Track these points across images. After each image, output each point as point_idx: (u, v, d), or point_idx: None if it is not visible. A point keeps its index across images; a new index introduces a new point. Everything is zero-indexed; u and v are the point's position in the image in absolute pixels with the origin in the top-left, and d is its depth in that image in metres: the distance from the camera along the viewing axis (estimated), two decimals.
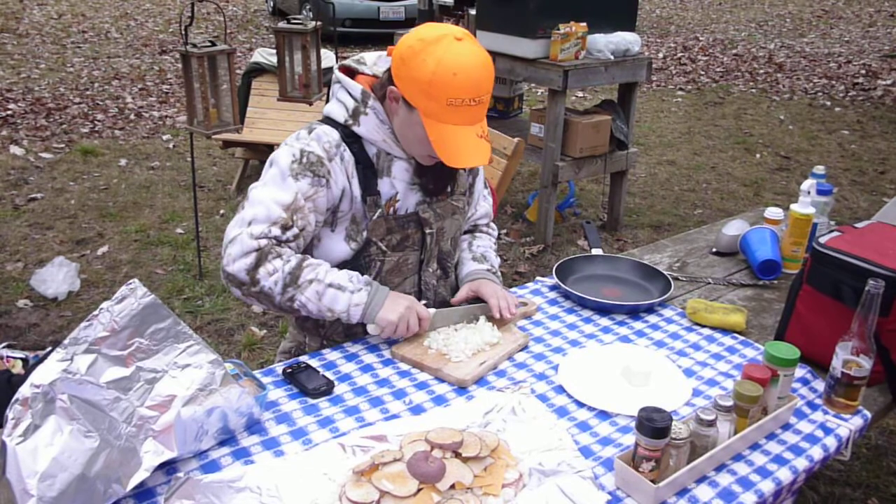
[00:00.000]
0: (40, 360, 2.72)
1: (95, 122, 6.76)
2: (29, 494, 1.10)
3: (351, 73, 1.78)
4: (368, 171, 1.71)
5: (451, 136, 1.58)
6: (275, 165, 1.66)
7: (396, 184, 1.75)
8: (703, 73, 9.68)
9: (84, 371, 1.20)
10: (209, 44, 3.44)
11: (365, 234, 1.73)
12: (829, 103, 8.17)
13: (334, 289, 1.63)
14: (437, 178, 1.79)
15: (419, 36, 1.57)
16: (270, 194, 1.63)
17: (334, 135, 1.69)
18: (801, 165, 6.10)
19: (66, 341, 1.20)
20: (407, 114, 1.63)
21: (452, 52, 1.54)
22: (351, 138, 1.70)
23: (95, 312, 1.23)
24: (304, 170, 1.64)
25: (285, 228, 1.62)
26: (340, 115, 1.71)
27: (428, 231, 1.81)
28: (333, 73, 1.76)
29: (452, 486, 1.26)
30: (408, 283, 1.85)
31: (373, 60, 1.79)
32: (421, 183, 1.78)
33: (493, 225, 2.09)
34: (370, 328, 1.68)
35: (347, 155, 1.69)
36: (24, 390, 1.15)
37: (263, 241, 1.59)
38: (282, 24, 3.67)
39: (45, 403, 1.16)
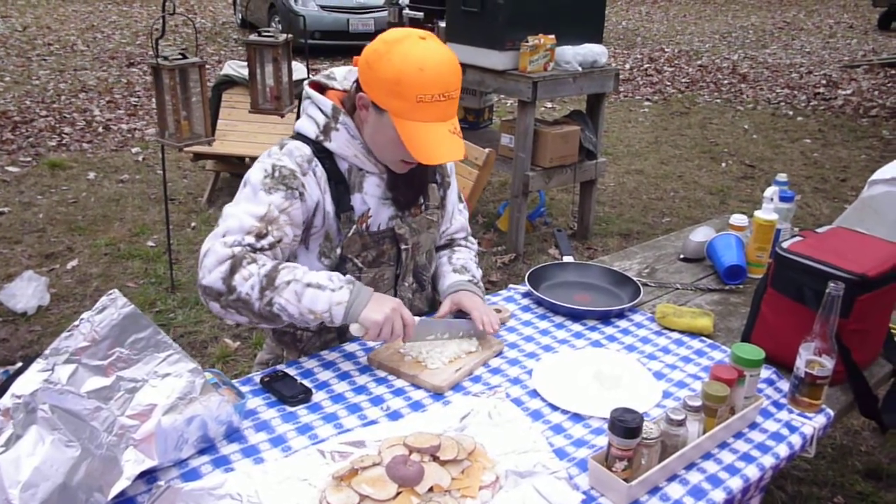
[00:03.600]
0: (11, 376, 2.69)
1: (63, 136, 6.70)
2: None
3: (321, 88, 1.78)
4: (341, 186, 1.71)
5: (423, 134, 1.59)
6: (248, 184, 1.66)
7: (368, 199, 1.75)
8: (669, 83, 9.84)
9: (65, 381, 1.21)
10: (180, 56, 3.44)
11: (339, 250, 1.73)
12: (791, 113, 8.36)
13: (313, 288, 1.56)
14: (408, 192, 1.80)
15: (383, 39, 1.60)
16: (242, 208, 1.62)
17: (306, 150, 1.69)
18: (766, 173, 6.23)
19: (46, 351, 1.21)
20: (377, 118, 1.63)
21: (417, 49, 1.56)
22: (323, 154, 1.70)
23: (76, 323, 1.24)
24: (277, 183, 1.63)
25: (260, 237, 1.60)
26: (311, 131, 1.71)
27: (404, 247, 1.82)
28: (303, 89, 1.76)
29: (431, 489, 1.28)
30: None
31: (343, 75, 1.80)
32: (393, 197, 1.78)
33: (471, 239, 2.09)
34: (353, 328, 1.60)
35: (320, 170, 1.69)
36: (6, 401, 1.16)
37: (237, 249, 1.56)
38: (253, 37, 3.69)
39: (27, 414, 1.17)
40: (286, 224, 1.64)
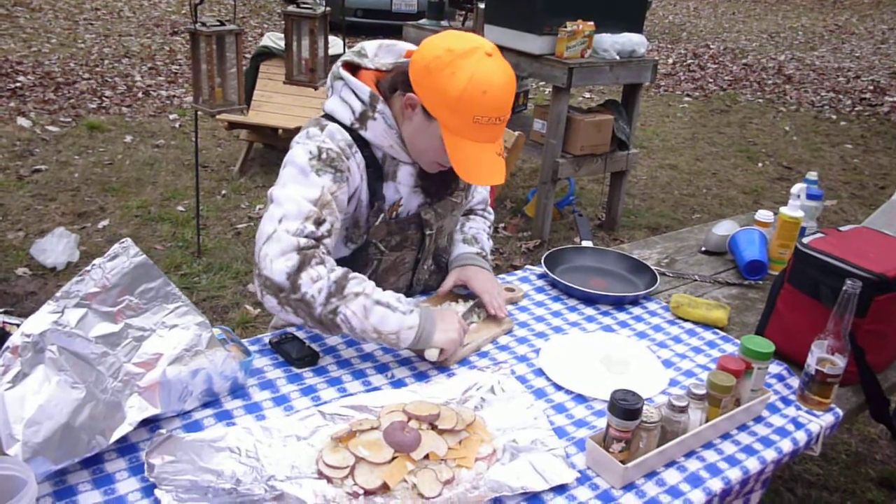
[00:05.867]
0: None
1: (103, 99, 6.79)
2: (14, 439, 1.14)
3: (352, 67, 1.71)
4: (376, 175, 1.68)
5: (470, 153, 1.56)
6: (291, 165, 1.58)
7: (401, 189, 1.72)
8: (711, 80, 9.70)
9: (74, 324, 1.23)
10: (218, 24, 3.47)
11: (365, 237, 1.71)
12: (834, 117, 8.19)
13: (383, 307, 1.51)
14: (440, 182, 1.77)
15: (448, 46, 1.53)
16: (296, 191, 1.54)
17: (346, 135, 1.63)
18: (802, 176, 6.09)
19: (57, 294, 1.23)
20: (424, 123, 1.58)
21: (483, 69, 1.50)
22: (359, 141, 1.65)
23: (87, 268, 1.26)
24: (325, 166, 1.57)
25: (318, 223, 1.53)
26: (346, 117, 1.64)
27: (428, 232, 1.80)
28: (334, 68, 1.68)
29: (427, 457, 1.29)
30: (402, 280, 1.86)
31: (373, 51, 1.74)
32: (423, 185, 1.75)
33: (489, 210, 2.09)
34: (429, 353, 1.56)
35: (360, 156, 1.64)
36: (15, 339, 1.19)
37: (303, 241, 1.49)
38: (291, 8, 3.71)
39: (35, 353, 1.19)
40: (336, 208, 1.58)
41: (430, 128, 1.58)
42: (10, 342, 1.18)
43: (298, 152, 1.59)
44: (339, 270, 1.52)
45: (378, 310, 1.51)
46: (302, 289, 1.47)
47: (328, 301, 1.49)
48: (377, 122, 1.63)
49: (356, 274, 1.55)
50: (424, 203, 1.78)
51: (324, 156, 1.58)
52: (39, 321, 1.21)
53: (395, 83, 1.64)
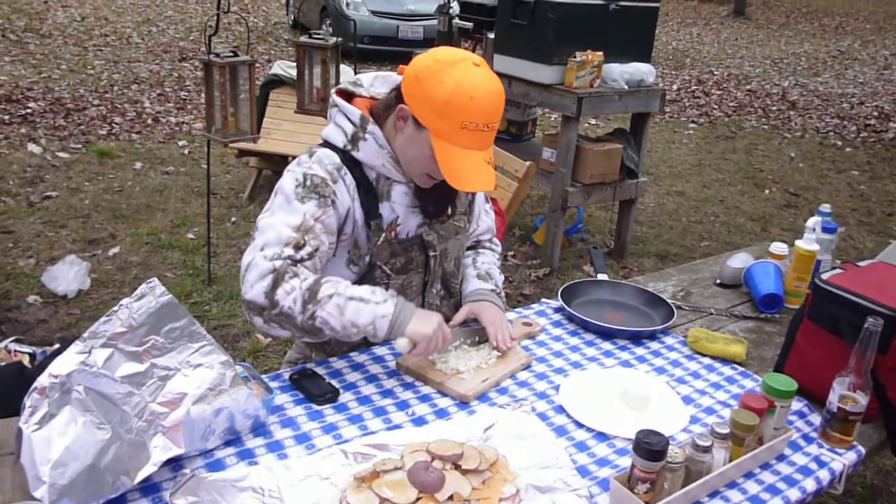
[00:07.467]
0: (48, 357, 2.72)
1: (113, 125, 6.84)
2: (41, 481, 1.14)
3: (347, 95, 1.78)
4: (370, 195, 1.71)
5: (459, 159, 1.59)
6: (279, 193, 1.65)
7: (397, 208, 1.75)
8: (716, 106, 9.74)
9: (101, 364, 1.23)
10: (231, 54, 3.50)
11: (368, 258, 1.74)
12: (840, 143, 8.21)
13: (357, 301, 1.56)
14: (436, 201, 1.80)
15: (436, 57, 1.59)
16: (279, 219, 1.61)
17: (335, 157, 1.69)
18: (810, 203, 6.13)
19: (85, 334, 1.24)
20: (415, 132, 1.63)
21: (471, 76, 1.56)
22: (351, 163, 1.70)
23: (115, 308, 1.27)
24: (309, 192, 1.63)
25: (298, 247, 1.59)
26: (339, 140, 1.71)
27: (432, 254, 1.82)
28: (330, 97, 1.75)
29: (451, 497, 1.29)
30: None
31: (369, 82, 1.80)
32: (421, 206, 1.78)
33: (496, 241, 2.11)
34: (399, 343, 1.59)
35: (349, 178, 1.69)
36: (43, 379, 1.19)
37: (278, 262, 1.56)
38: (303, 39, 3.74)
39: (62, 394, 1.19)
40: (322, 232, 1.63)
41: (420, 137, 1.62)
42: (37, 383, 1.19)
43: (286, 180, 1.67)
44: (312, 278, 1.57)
45: (352, 305, 1.56)
46: (280, 303, 1.54)
47: (305, 308, 1.54)
48: (368, 142, 1.69)
49: (330, 277, 1.60)
50: (423, 224, 1.80)
51: (308, 182, 1.64)
52: (67, 362, 1.21)
53: (389, 101, 1.71)
